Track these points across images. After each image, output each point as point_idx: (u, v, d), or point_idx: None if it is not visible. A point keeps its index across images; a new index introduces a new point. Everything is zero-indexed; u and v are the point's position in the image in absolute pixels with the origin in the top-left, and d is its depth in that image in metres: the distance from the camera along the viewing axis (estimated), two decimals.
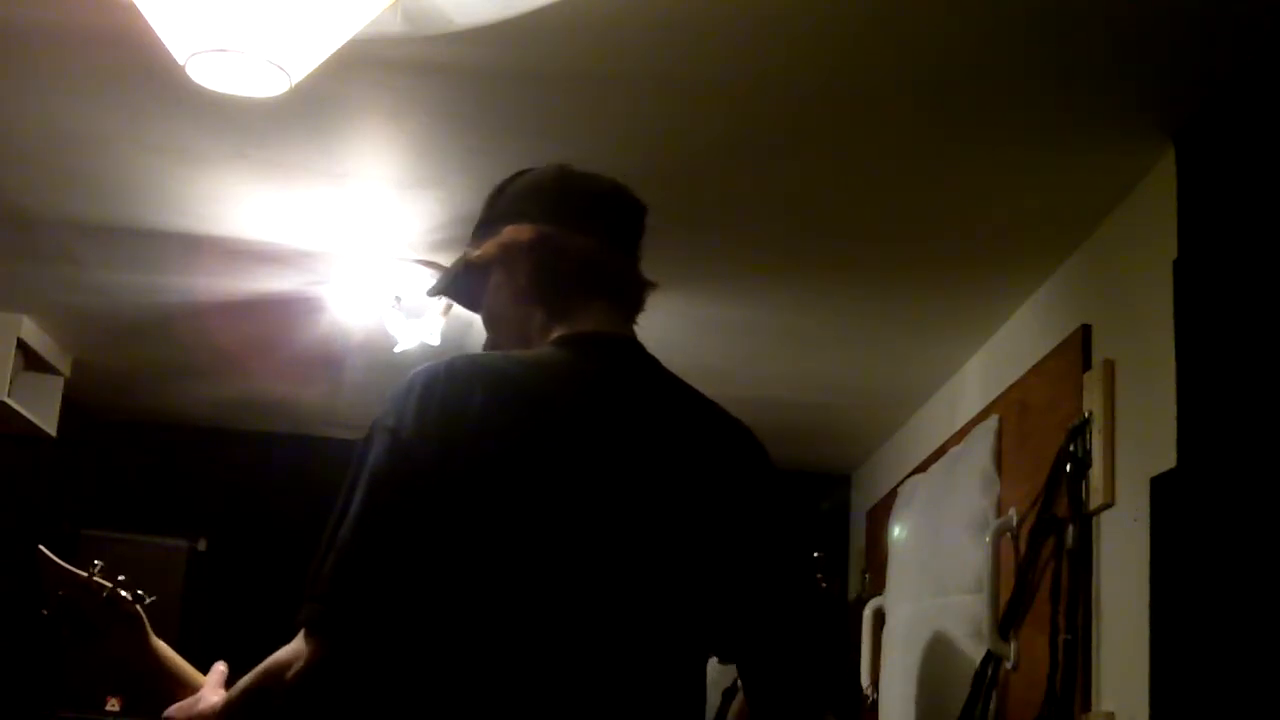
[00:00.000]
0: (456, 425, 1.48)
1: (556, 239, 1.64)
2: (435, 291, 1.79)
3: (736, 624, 1.62)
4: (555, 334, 1.64)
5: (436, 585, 1.46)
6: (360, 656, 1.45)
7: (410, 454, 1.46)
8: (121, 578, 1.85)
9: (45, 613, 1.84)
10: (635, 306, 1.70)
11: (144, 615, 1.85)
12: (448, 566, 1.46)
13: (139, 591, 1.86)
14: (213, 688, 1.73)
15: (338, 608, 1.44)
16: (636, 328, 1.71)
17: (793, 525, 1.67)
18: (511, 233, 1.67)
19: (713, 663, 1.67)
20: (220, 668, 1.77)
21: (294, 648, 1.45)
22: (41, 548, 1.86)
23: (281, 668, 1.44)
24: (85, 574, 1.83)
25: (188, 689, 1.78)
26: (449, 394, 1.50)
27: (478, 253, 1.70)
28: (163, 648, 1.84)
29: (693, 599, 1.57)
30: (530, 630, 1.48)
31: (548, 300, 1.65)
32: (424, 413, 1.48)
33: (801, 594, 1.68)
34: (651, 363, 1.67)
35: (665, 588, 1.55)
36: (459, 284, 1.75)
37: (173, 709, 1.71)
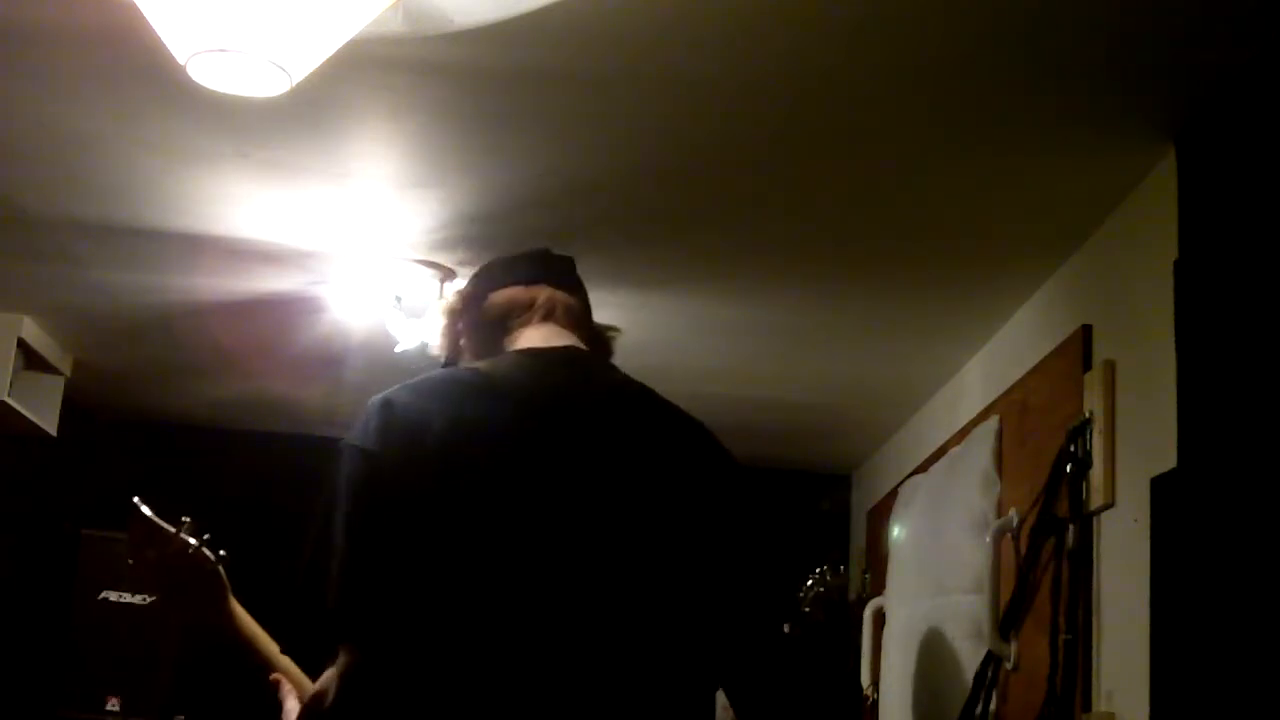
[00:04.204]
0: (419, 439, 1.53)
1: (479, 294, 1.81)
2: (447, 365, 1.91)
3: (709, 630, 1.62)
4: None
5: (419, 593, 1.48)
6: (384, 659, 1.47)
7: (382, 468, 1.52)
8: (206, 536, 1.87)
9: (131, 562, 1.86)
10: (580, 326, 1.78)
11: (224, 576, 1.87)
12: (425, 574, 1.49)
13: (221, 552, 1.87)
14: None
15: (354, 618, 1.48)
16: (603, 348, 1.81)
17: (759, 527, 1.68)
18: (446, 303, 1.85)
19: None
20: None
21: (327, 674, 1.51)
22: (136, 500, 1.87)
23: (320, 695, 1.50)
24: (173, 529, 1.85)
25: (260, 654, 1.81)
26: (409, 411, 1.56)
27: (439, 331, 1.85)
28: (240, 611, 1.87)
29: (663, 601, 1.57)
30: (502, 633, 1.49)
31: (489, 347, 1.77)
32: (387, 431, 1.54)
33: (770, 599, 1.69)
34: (606, 366, 1.74)
35: (636, 590, 1.55)
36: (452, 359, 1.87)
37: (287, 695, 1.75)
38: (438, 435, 1.53)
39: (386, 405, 1.56)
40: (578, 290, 1.84)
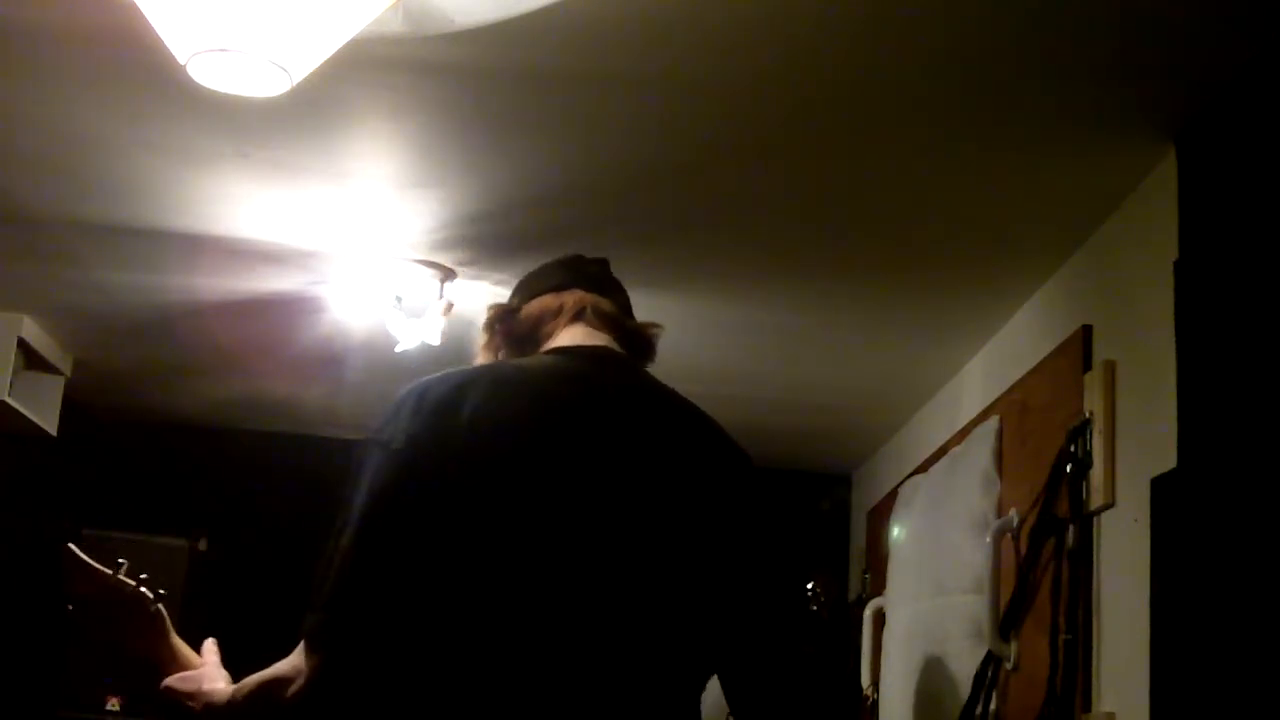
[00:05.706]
0: (449, 432, 1.53)
1: (510, 307, 1.82)
2: None
3: (719, 630, 1.62)
4: None
5: (434, 596, 1.48)
6: (360, 669, 1.47)
7: (405, 466, 1.51)
8: (144, 576, 1.87)
9: (70, 609, 1.85)
10: (613, 325, 1.78)
11: (165, 615, 1.86)
12: (445, 575, 1.49)
13: (160, 591, 1.87)
14: (214, 667, 1.75)
15: (338, 621, 1.48)
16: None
17: (772, 530, 1.68)
18: (483, 319, 1.85)
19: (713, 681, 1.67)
20: (211, 645, 1.79)
21: (293, 663, 1.48)
22: (70, 545, 1.87)
23: (281, 683, 1.47)
24: (110, 572, 1.84)
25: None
26: (440, 404, 1.55)
27: (480, 347, 1.85)
28: (183, 648, 1.85)
29: (677, 599, 1.57)
30: (521, 634, 1.49)
31: (524, 354, 1.78)
32: (417, 424, 1.53)
33: (782, 601, 1.69)
34: (636, 368, 1.75)
35: (652, 589, 1.56)
36: None
37: (173, 679, 1.72)
38: (464, 428, 1.53)
39: (420, 395, 1.56)
40: (611, 291, 1.84)
